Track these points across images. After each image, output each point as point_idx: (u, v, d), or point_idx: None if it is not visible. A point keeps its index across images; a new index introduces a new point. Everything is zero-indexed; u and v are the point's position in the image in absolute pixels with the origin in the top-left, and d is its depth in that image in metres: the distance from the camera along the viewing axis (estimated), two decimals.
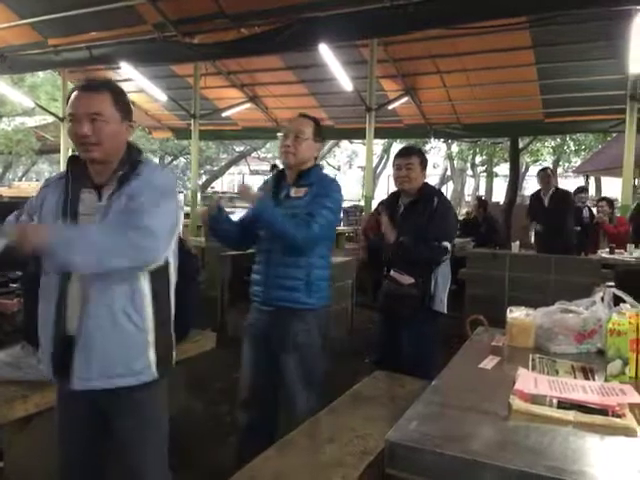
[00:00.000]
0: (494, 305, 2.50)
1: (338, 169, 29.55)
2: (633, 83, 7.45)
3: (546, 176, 6.35)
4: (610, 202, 7.00)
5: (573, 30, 7.24)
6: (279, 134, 2.48)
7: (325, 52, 7.47)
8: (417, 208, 2.96)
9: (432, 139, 12.78)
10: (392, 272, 2.93)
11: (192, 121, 10.62)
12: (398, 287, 2.91)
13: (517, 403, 1.59)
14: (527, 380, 1.75)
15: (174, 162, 26.01)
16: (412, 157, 2.97)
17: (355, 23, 6.49)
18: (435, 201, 2.93)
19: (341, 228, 10.92)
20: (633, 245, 6.18)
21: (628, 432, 1.46)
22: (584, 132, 14.18)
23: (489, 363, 2.04)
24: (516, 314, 2.33)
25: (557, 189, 6.38)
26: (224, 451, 2.84)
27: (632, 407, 1.58)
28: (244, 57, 9.01)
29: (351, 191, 24.53)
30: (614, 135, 11.20)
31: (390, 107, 9.72)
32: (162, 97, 10.96)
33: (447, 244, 2.95)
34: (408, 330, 2.93)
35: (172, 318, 1.80)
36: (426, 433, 1.40)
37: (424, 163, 3.03)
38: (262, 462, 1.73)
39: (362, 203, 9.98)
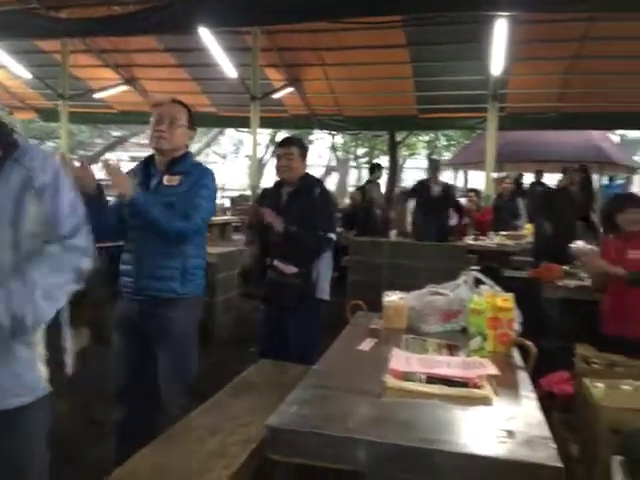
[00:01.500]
0: (374, 290, 2.63)
1: (224, 158, 29.00)
2: (494, 84, 8.18)
3: (437, 164, 6.71)
4: (478, 193, 7.64)
5: (443, 32, 7.76)
6: (151, 118, 2.37)
7: (206, 36, 7.26)
8: (299, 197, 3.02)
9: (317, 130, 13.02)
10: (276, 262, 2.96)
11: (60, 102, 9.78)
12: (282, 276, 2.95)
13: (391, 381, 1.69)
14: (400, 359, 1.87)
15: (41, 146, 23.75)
16: (292, 147, 3.02)
17: (236, 9, 6.37)
18: (316, 191, 3.00)
19: (228, 218, 10.77)
20: (494, 233, 6.83)
21: (486, 401, 1.62)
22: (453, 128, 15.29)
23: (367, 345, 2.15)
24: (391, 298, 2.47)
25: (447, 189, 6.79)
26: (102, 449, 2.71)
27: (489, 378, 1.75)
28: (116, 36, 8.44)
29: (238, 180, 24.23)
30: (479, 132, 12.24)
31: (275, 96, 9.72)
32: (25, 74, 9.94)
33: (332, 235, 3.06)
34: (292, 319, 2.99)
35: None
36: (306, 416, 1.45)
37: (304, 153, 3.09)
38: (141, 458, 1.68)
39: (249, 192, 9.90)
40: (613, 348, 2.74)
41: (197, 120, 2.53)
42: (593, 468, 1.74)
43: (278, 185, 3.16)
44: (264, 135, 20.54)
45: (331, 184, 26.65)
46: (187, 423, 1.94)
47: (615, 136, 19.19)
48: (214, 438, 1.80)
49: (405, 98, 9.78)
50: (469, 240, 6.63)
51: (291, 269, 2.94)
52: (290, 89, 9.78)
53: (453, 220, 6.83)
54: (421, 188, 6.70)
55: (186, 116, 2.40)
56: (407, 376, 1.72)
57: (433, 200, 6.40)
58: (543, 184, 9.15)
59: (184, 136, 2.39)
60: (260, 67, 8.60)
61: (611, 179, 12.52)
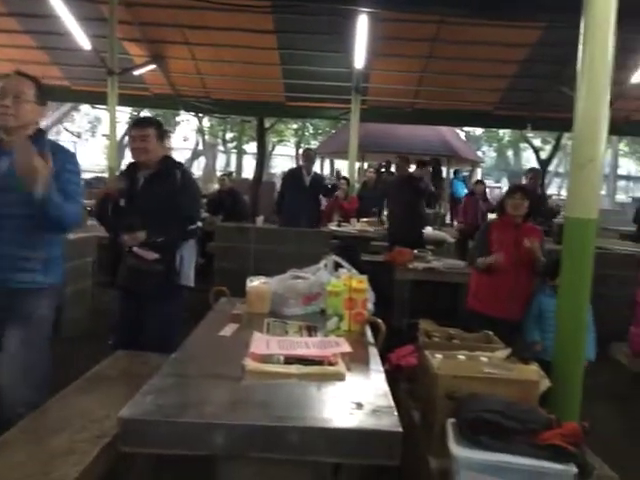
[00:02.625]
0: (241, 277, 2.62)
1: (78, 136, 26.68)
2: (357, 77, 8.55)
3: (311, 155, 6.79)
4: (349, 181, 7.95)
5: (311, 22, 7.90)
6: None
7: (56, 2, 6.59)
8: (157, 182, 2.87)
9: (183, 112, 12.53)
10: (135, 248, 2.81)
11: None
12: (142, 263, 2.81)
13: (250, 364, 1.72)
14: (260, 342, 1.90)
15: None
16: (148, 128, 2.85)
17: None
18: (177, 175, 2.89)
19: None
20: (356, 219, 7.19)
21: (339, 377, 1.72)
22: (319, 118, 15.72)
23: (229, 331, 2.16)
24: (254, 283, 2.50)
25: (318, 177, 6.90)
26: None
27: (343, 356, 1.86)
28: None
29: (95, 161, 22.49)
30: (344, 122, 12.72)
31: (135, 73, 9.15)
32: None
33: (198, 223, 2.97)
34: (153, 307, 2.86)
35: None
36: (161, 405, 1.42)
37: (161, 135, 2.94)
38: None
39: (107, 175, 9.24)
40: (475, 324, 3.06)
41: (46, 93, 2.30)
42: (431, 431, 1.94)
43: (134, 168, 2.98)
44: (124, 113, 19.28)
45: (198, 169, 25.96)
46: (27, 424, 1.79)
47: (462, 132, 21.18)
48: (60, 436, 1.68)
49: (273, 85, 9.81)
50: (333, 226, 6.89)
51: (152, 255, 2.81)
52: (152, 66, 9.27)
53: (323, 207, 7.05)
54: (293, 176, 6.78)
55: (34, 90, 2.18)
56: (266, 358, 1.77)
57: (304, 188, 6.52)
58: (392, 173, 9.77)
59: (33, 112, 2.18)
60: (119, 41, 8.03)
61: (456, 172, 13.82)
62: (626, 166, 25.43)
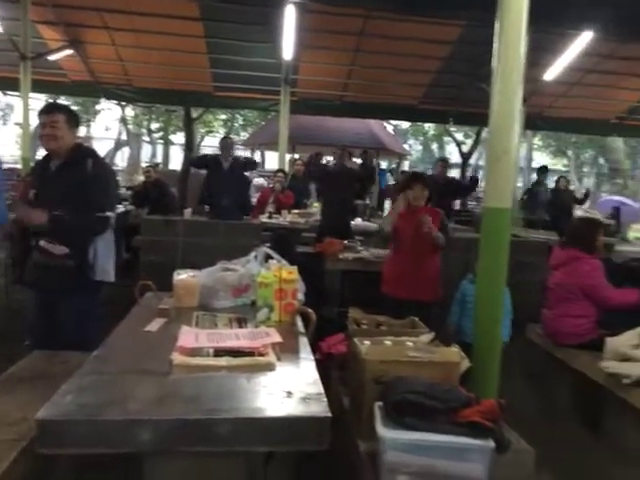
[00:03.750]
0: (169, 271, 2.55)
1: None
2: (286, 68, 8.52)
3: (228, 143, 6.66)
4: (285, 173, 7.90)
5: (237, 10, 7.78)
6: None
7: None
8: (68, 171, 2.70)
9: (104, 100, 11.96)
10: (42, 242, 2.62)
11: None
12: (50, 258, 2.63)
13: (178, 358, 1.69)
14: (188, 336, 1.87)
15: None
16: (56, 114, 2.67)
17: None
18: (89, 164, 2.72)
19: None
20: (287, 211, 7.18)
21: (269, 367, 1.73)
22: (248, 108, 15.52)
23: (155, 325, 2.10)
24: (182, 276, 2.45)
25: (235, 157, 6.79)
26: None
27: (274, 346, 1.87)
28: None
29: (7, 151, 20.98)
30: (273, 114, 12.65)
31: (51, 58, 8.64)
32: None
33: (110, 213, 2.81)
34: (67, 304, 2.70)
35: None
36: (82, 404, 1.36)
37: (72, 121, 2.76)
38: None
39: (20, 165, 8.67)
40: (386, 306, 3.17)
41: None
42: (360, 414, 2.00)
43: (48, 157, 2.81)
44: (39, 100, 18.10)
45: (122, 159, 24.93)
46: None
47: (390, 125, 21.69)
48: None
49: (200, 74, 9.58)
50: (264, 218, 6.86)
51: (61, 249, 2.64)
52: (69, 51, 8.78)
53: (254, 198, 6.96)
54: (214, 162, 6.62)
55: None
56: (195, 352, 1.74)
57: (225, 173, 6.39)
58: (323, 165, 9.84)
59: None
60: (32, 23, 7.54)
61: (379, 164, 14.17)
62: (540, 159, 27.11)
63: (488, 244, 2.71)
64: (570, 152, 25.22)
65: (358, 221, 6.95)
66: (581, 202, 9.16)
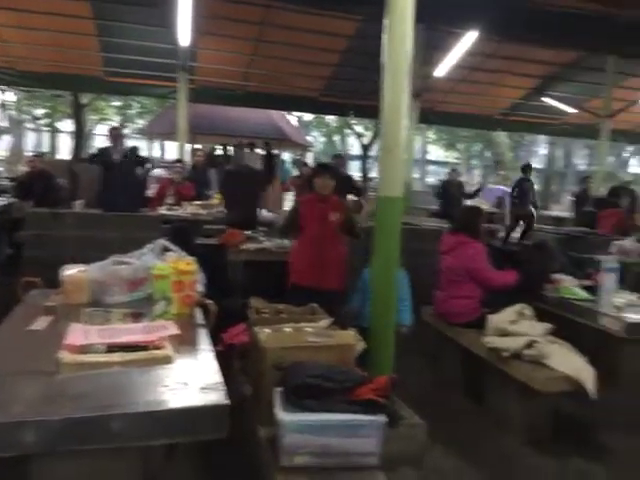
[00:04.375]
0: (58, 266, 2.39)
1: None
2: (183, 55, 8.26)
3: (117, 134, 6.33)
4: (184, 163, 7.64)
5: None
6: None
7: None
8: None
9: None
10: None
11: None
12: None
13: (66, 357, 1.61)
14: (77, 333, 1.79)
15: None
16: None
17: None
18: None
19: None
20: (187, 203, 7.00)
21: (167, 360, 1.70)
22: (144, 95, 14.84)
23: (41, 324, 1.98)
24: (70, 272, 2.32)
25: (128, 149, 6.48)
26: None
27: (171, 339, 1.83)
28: None
29: None
30: (172, 101, 12.20)
31: None
32: None
33: None
34: None
35: None
36: None
37: None
38: None
39: None
40: (294, 295, 3.21)
41: None
42: (261, 401, 2.03)
43: None
44: None
45: (2, 148, 22.80)
46: None
47: (293, 117, 21.78)
48: None
49: (89, 57, 9.00)
50: (163, 210, 6.63)
51: None
52: None
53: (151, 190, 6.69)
54: (101, 155, 6.30)
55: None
56: (85, 349, 1.67)
57: (115, 165, 6.11)
58: (228, 157, 9.76)
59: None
60: None
61: (277, 156, 14.25)
62: (435, 152, 28.61)
63: (382, 231, 2.85)
64: (461, 146, 26.90)
65: (263, 212, 6.95)
66: (472, 197, 9.83)
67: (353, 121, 19.51)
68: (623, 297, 3.42)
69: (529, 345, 3.01)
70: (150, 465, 1.55)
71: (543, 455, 2.87)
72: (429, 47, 8.52)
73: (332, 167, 4.35)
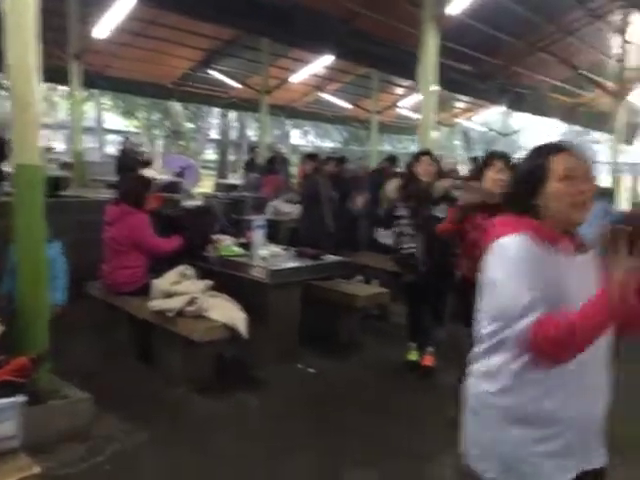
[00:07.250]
0: None
1: None
2: None
3: None
4: None
5: None
6: None
7: None
8: None
9: None
10: None
11: None
12: None
13: None
14: None
15: None
16: None
17: None
18: None
19: None
20: None
21: None
22: None
23: None
24: None
25: None
26: None
27: None
28: None
29: None
30: None
31: None
32: None
33: None
34: None
35: None
36: None
37: None
38: None
39: None
40: None
41: None
42: None
43: None
44: None
45: None
46: None
47: None
48: None
49: None
50: None
51: None
52: None
53: None
54: None
55: None
56: None
57: None
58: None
59: None
60: None
61: None
62: (114, 121, 26.98)
63: (23, 203, 2.60)
64: (140, 115, 26.02)
65: None
66: (147, 164, 9.75)
67: None
68: (269, 250, 4.00)
69: (190, 302, 3.25)
70: None
71: (206, 397, 3.19)
72: (88, 5, 7.94)
73: None
